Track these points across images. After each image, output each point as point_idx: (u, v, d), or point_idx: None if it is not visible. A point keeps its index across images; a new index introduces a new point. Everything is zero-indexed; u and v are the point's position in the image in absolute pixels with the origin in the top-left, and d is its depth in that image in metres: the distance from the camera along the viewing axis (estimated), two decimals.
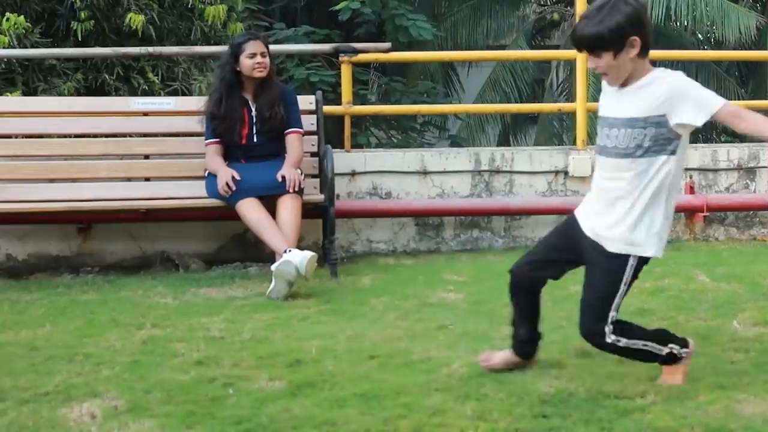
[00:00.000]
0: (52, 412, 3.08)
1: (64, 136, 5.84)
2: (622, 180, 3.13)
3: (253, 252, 5.86)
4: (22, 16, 6.98)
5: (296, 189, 5.18)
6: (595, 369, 3.48)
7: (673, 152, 3.10)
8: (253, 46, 5.34)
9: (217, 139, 5.39)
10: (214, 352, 3.77)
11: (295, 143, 5.42)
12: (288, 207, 5.11)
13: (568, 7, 15.56)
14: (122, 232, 5.86)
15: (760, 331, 4.00)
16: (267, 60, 5.38)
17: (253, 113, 5.39)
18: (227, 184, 5.15)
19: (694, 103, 3.05)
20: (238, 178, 5.17)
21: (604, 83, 3.21)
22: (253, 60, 5.32)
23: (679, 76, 3.09)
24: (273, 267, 4.79)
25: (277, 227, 5.04)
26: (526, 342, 3.45)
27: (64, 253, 5.84)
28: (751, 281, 4.95)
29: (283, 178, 5.16)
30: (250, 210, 5.11)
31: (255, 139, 5.39)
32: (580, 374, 3.41)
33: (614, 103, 3.17)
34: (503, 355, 3.47)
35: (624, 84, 3.14)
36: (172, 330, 4.16)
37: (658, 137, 3.08)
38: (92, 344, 3.92)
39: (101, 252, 5.87)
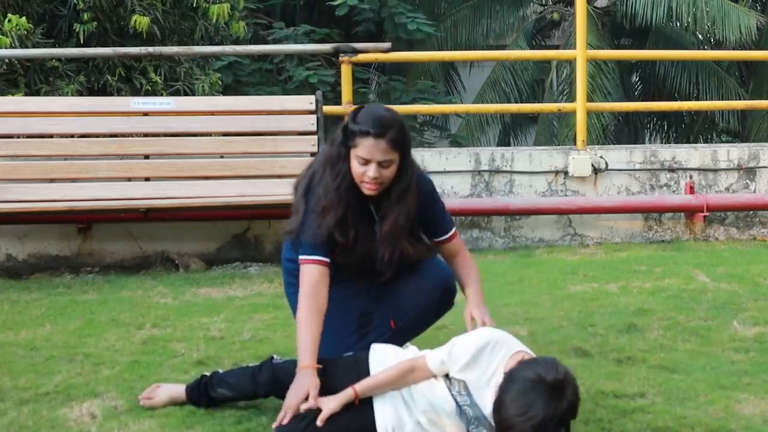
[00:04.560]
0: (52, 412, 3.08)
1: (65, 136, 5.84)
2: None
3: (253, 252, 5.87)
4: (24, 18, 6.98)
5: None
6: (594, 369, 3.49)
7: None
8: (368, 148, 3.09)
9: (326, 260, 3.14)
10: (214, 352, 3.77)
11: (460, 251, 3.48)
12: None
13: (568, 7, 15.55)
14: (122, 232, 5.85)
15: (760, 331, 4.01)
16: (389, 172, 3.13)
17: (376, 227, 3.24)
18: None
19: None
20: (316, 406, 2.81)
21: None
22: (363, 168, 3.11)
23: None
24: None
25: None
26: None
27: (64, 253, 5.83)
28: (751, 281, 4.95)
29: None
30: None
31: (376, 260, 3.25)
32: (580, 374, 3.40)
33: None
34: None
35: None
36: (172, 330, 4.16)
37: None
38: (92, 344, 3.92)
39: (101, 252, 5.86)
